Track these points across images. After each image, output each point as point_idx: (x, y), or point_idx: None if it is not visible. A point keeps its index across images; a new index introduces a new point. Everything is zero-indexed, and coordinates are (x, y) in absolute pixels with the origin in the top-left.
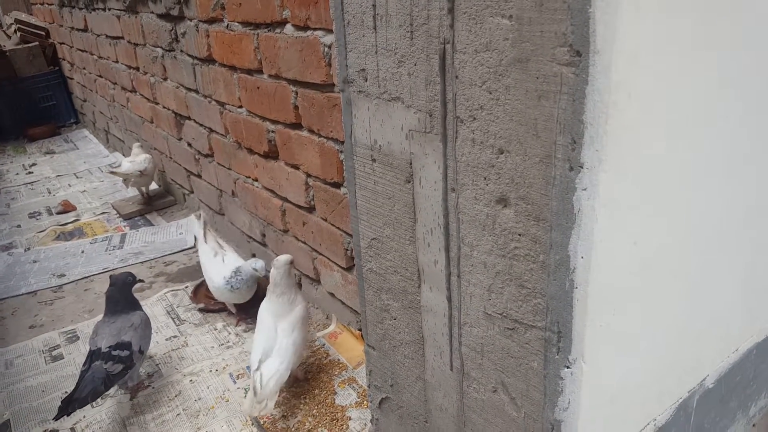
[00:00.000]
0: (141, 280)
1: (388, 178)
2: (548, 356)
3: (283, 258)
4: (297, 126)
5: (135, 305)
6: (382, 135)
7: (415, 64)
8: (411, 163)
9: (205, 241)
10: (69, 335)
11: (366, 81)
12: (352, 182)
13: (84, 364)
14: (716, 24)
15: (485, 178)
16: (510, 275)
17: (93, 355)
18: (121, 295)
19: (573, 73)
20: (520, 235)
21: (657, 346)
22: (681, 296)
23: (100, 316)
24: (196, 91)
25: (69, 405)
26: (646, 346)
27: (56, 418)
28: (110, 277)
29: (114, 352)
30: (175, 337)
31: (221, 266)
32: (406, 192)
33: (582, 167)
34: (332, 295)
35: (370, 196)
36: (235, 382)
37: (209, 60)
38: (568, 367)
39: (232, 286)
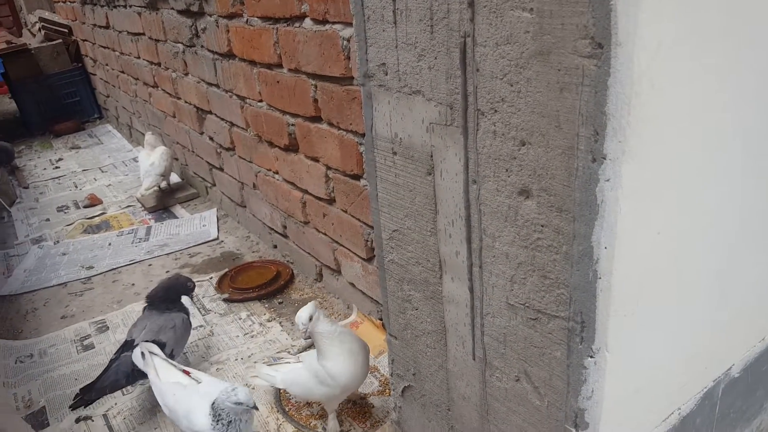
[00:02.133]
0: (192, 296)
1: (409, 171)
2: (571, 346)
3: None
4: (317, 119)
5: (181, 306)
6: (403, 128)
7: (436, 58)
8: (432, 156)
9: (158, 377)
10: (99, 325)
11: (386, 75)
12: (373, 175)
13: (115, 353)
14: (739, 12)
15: (507, 170)
16: (533, 266)
17: (125, 346)
18: (173, 295)
19: (595, 65)
20: (542, 226)
21: (682, 335)
22: (706, 286)
23: (128, 307)
24: (217, 86)
25: (86, 394)
26: (671, 336)
27: (72, 408)
28: (177, 275)
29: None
30: (201, 326)
31: (199, 400)
32: (427, 184)
33: (605, 158)
34: (353, 285)
35: (391, 189)
36: (252, 368)
37: (229, 55)
38: (591, 357)
39: None
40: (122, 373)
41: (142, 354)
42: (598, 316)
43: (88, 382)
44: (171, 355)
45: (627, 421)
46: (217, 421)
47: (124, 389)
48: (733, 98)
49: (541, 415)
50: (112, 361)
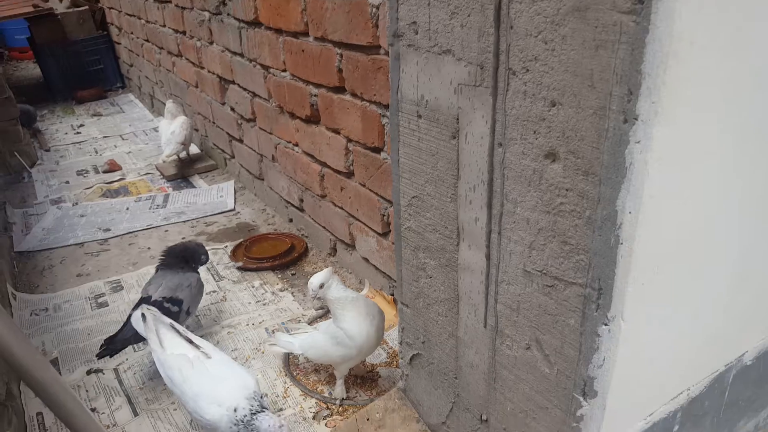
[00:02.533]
0: (204, 262)
1: (432, 135)
2: (586, 313)
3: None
4: (340, 90)
5: (194, 267)
6: (430, 90)
7: (469, 15)
8: (458, 119)
9: (162, 346)
10: (113, 285)
11: (416, 34)
12: (396, 139)
13: (132, 309)
14: None
15: (535, 132)
16: (553, 231)
17: (142, 301)
18: (185, 260)
19: (633, 21)
20: (567, 190)
21: (698, 313)
22: (727, 266)
23: (144, 269)
24: (242, 55)
25: (112, 344)
26: (687, 312)
27: (99, 356)
28: (189, 242)
29: (166, 304)
30: (214, 292)
31: (209, 383)
32: (451, 148)
33: (637, 119)
34: (366, 260)
35: (413, 154)
36: (270, 336)
37: (255, 23)
38: (606, 324)
39: None
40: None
41: (143, 316)
42: (617, 283)
43: (110, 335)
44: (187, 313)
45: (636, 394)
46: (243, 427)
47: (135, 346)
48: None
49: (549, 383)
50: (130, 316)
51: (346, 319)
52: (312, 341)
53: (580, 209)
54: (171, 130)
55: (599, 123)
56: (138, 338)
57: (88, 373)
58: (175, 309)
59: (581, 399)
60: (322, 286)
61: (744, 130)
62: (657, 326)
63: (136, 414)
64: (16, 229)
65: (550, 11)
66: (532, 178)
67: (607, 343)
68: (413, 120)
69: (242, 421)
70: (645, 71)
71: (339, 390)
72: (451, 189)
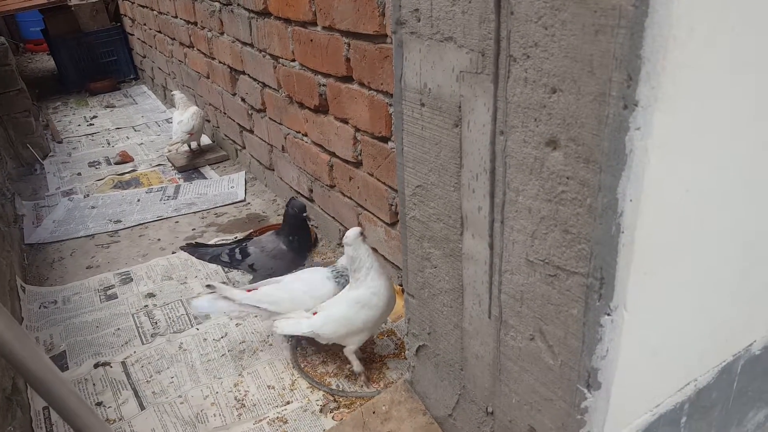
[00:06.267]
0: (309, 218)
1: (435, 123)
2: (589, 303)
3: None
4: (348, 79)
5: (294, 243)
6: (433, 78)
7: (470, 2)
8: (460, 107)
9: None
10: (123, 277)
11: (419, 21)
12: (400, 128)
13: (233, 243)
14: None
15: (536, 120)
16: (555, 220)
17: (239, 242)
18: (293, 222)
19: (632, 5)
20: (568, 178)
21: (704, 302)
22: (733, 254)
23: (153, 260)
24: (251, 45)
25: (198, 247)
26: (692, 301)
27: (182, 248)
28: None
29: (235, 249)
30: (224, 282)
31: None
32: (454, 137)
33: (636, 105)
34: (375, 250)
35: (416, 142)
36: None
37: (265, 13)
38: (608, 315)
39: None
40: (215, 257)
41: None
42: (618, 272)
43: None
44: (253, 268)
45: (641, 385)
46: (339, 277)
47: (143, 338)
48: None
49: (553, 375)
50: (226, 245)
51: (370, 278)
52: (327, 315)
53: (581, 197)
54: (179, 119)
55: (599, 109)
56: (213, 260)
57: (96, 366)
58: (239, 257)
59: (585, 391)
60: (362, 235)
61: (748, 117)
62: (661, 316)
63: (142, 408)
64: (27, 221)
65: None
66: (533, 166)
67: (610, 333)
68: (416, 109)
69: (335, 278)
70: (644, 56)
71: (356, 365)
72: (455, 178)
